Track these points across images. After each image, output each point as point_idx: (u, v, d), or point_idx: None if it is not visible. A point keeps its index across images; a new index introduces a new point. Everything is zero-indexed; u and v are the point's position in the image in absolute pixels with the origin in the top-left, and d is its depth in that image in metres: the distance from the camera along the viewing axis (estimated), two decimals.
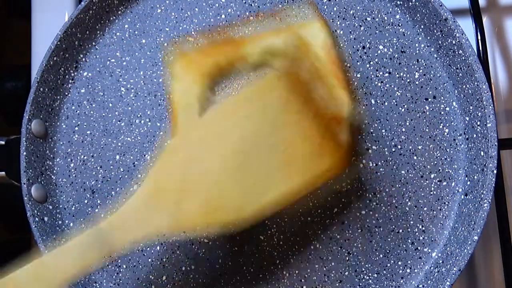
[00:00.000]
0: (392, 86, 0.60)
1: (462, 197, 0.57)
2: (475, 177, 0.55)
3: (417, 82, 0.60)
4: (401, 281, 0.57)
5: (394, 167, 0.58)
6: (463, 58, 0.56)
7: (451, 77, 0.59)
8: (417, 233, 0.57)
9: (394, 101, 0.60)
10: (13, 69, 0.79)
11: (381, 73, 0.60)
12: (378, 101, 0.60)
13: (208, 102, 0.58)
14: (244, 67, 0.60)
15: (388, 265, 0.57)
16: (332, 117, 0.55)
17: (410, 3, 0.60)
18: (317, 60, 0.56)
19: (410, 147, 0.59)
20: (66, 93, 0.64)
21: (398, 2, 0.61)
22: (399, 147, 0.59)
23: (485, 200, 0.53)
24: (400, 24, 0.61)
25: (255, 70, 0.60)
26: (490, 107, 0.54)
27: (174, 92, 0.58)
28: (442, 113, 0.59)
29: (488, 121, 0.54)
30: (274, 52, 0.58)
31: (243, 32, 0.58)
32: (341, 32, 0.62)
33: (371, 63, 0.61)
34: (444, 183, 0.58)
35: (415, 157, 0.58)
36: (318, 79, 0.56)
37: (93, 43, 0.64)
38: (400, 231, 0.57)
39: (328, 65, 0.56)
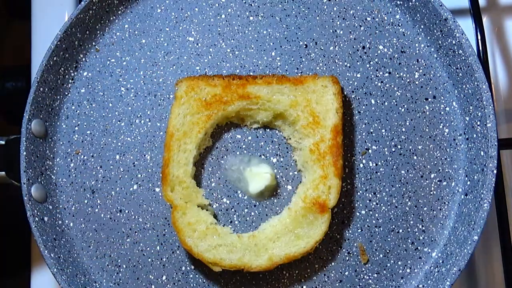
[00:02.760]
0: (392, 86, 0.60)
1: (462, 197, 0.57)
2: (475, 177, 0.55)
3: (417, 82, 0.60)
4: (401, 281, 0.57)
5: (394, 167, 0.58)
6: (463, 58, 0.56)
7: (451, 77, 0.59)
8: (417, 233, 0.57)
9: (394, 101, 0.60)
10: (13, 69, 0.79)
11: (381, 73, 0.60)
12: (378, 101, 0.60)
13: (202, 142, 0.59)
14: (248, 119, 0.61)
15: (388, 265, 0.57)
16: (317, 203, 0.56)
17: (410, 3, 0.60)
18: (322, 141, 0.56)
19: (410, 147, 0.59)
20: (66, 93, 0.64)
21: (398, 2, 0.61)
22: (399, 147, 0.59)
23: (485, 200, 0.53)
24: (400, 24, 0.61)
25: (256, 126, 0.60)
26: (490, 107, 0.54)
27: (172, 114, 0.59)
28: (442, 113, 0.59)
29: (488, 121, 0.54)
30: (284, 118, 0.59)
31: (261, 91, 0.59)
32: (341, 32, 0.62)
33: (371, 63, 0.61)
34: (444, 183, 0.58)
35: (415, 157, 0.58)
36: (316, 160, 0.56)
37: (93, 43, 0.64)
38: (400, 231, 0.57)
39: (331, 149, 0.56)
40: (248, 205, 0.59)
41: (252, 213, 0.59)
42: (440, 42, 0.58)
